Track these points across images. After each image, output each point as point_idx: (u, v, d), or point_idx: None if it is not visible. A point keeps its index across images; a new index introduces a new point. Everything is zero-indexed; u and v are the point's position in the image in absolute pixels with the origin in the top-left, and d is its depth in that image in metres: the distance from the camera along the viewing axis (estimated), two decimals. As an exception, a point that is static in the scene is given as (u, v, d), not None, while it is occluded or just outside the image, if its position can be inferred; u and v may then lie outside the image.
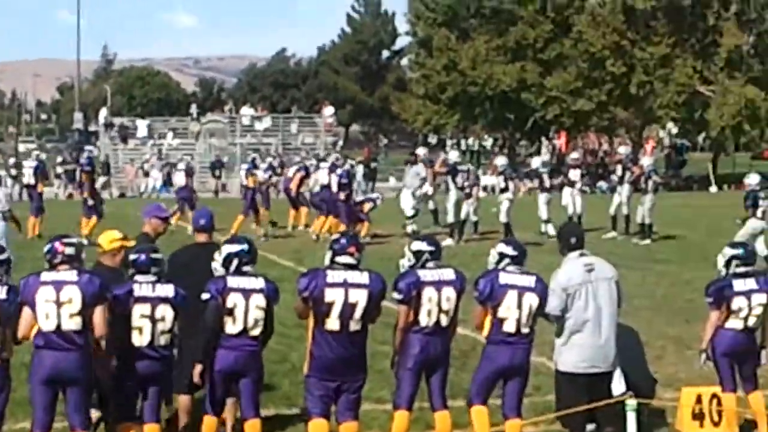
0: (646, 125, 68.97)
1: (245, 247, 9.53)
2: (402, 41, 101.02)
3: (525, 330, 9.54)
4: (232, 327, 9.28)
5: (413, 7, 70.94)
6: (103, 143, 62.79)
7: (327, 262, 9.37)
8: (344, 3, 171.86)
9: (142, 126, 63.93)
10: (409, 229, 27.76)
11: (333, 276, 9.20)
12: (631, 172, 28.27)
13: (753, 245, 10.76)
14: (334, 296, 9.13)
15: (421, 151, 30.77)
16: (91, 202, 27.10)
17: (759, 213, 22.12)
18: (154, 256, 9.35)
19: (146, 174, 56.20)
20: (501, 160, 29.72)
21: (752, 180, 23.10)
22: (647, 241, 26.92)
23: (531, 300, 9.50)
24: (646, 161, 29.70)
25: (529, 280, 9.60)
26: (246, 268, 9.43)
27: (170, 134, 63.06)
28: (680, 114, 63.80)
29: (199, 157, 57.81)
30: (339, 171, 27.98)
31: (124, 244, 10.20)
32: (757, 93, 61.02)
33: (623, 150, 31.59)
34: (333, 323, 9.16)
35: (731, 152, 71.76)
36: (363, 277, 9.27)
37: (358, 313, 9.19)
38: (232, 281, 9.33)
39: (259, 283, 9.42)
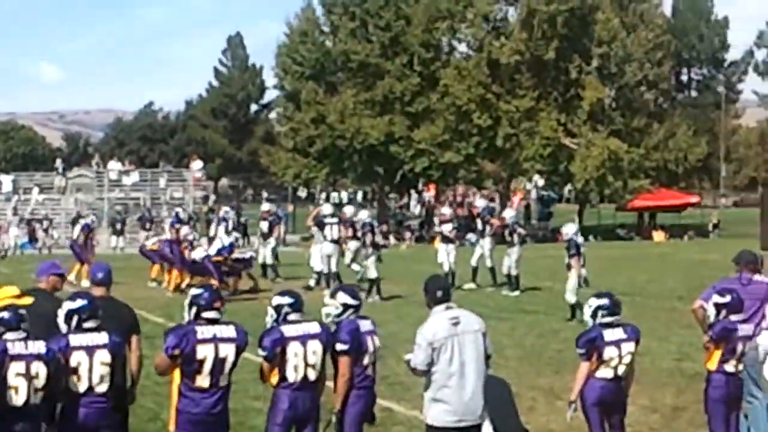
0: (513, 177, 69.88)
1: (85, 303, 9.38)
2: (270, 95, 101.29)
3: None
4: (77, 385, 9.12)
5: (280, 61, 70.93)
6: (-34, 200, 61.39)
7: (190, 317, 9.26)
8: (212, 56, 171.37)
9: (6, 181, 62.72)
10: (312, 282, 28.41)
11: (203, 332, 9.09)
12: (491, 225, 28.72)
13: (611, 293, 10.86)
14: (205, 352, 9.02)
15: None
16: None
17: (581, 260, 22.55)
18: (20, 312, 9.16)
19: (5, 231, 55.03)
20: (447, 210, 30.26)
21: (569, 229, 23.50)
22: (516, 293, 27.24)
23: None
24: (508, 213, 30.23)
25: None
26: (88, 324, 9.27)
27: (36, 189, 61.98)
28: (546, 166, 64.74)
29: (65, 213, 56.96)
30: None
31: (14, 302, 10.00)
32: (619, 145, 62.40)
33: (481, 203, 31.87)
34: (203, 380, 9.05)
35: (596, 204, 73.10)
36: (230, 331, 9.19)
37: (227, 367, 9.11)
38: (74, 339, 9.16)
39: (102, 338, 9.26)
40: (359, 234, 27.69)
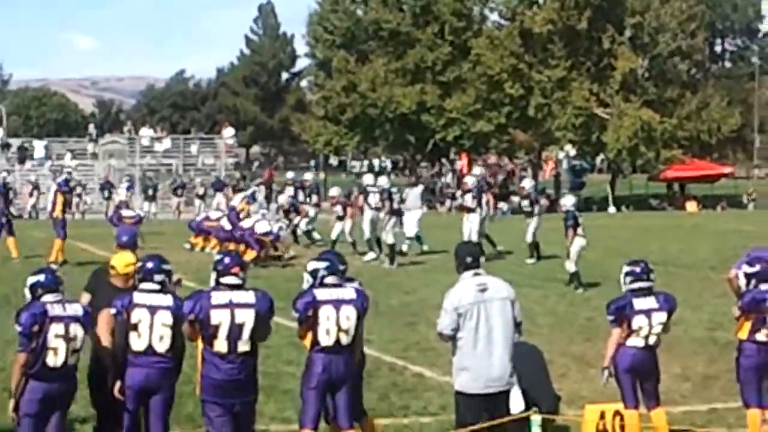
0: (545, 147, 69.67)
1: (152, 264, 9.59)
2: (301, 63, 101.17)
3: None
4: (137, 343, 9.29)
5: (312, 29, 70.90)
6: (-1, 164, 61.72)
7: (212, 283, 9.36)
8: (243, 25, 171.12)
9: (39, 147, 63.00)
10: (405, 247, 28.90)
11: (218, 297, 9.17)
12: (539, 204, 28.59)
13: (646, 262, 10.80)
14: (220, 318, 9.09)
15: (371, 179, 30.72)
16: (4, 220, 27.14)
17: (580, 231, 22.80)
18: (57, 274, 9.31)
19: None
20: (471, 179, 29.88)
21: (567, 201, 23.81)
22: (532, 260, 27.25)
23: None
24: (527, 183, 30.35)
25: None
26: (148, 285, 9.46)
27: (68, 155, 62.21)
28: (578, 136, 64.47)
29: (98, 179, 57.27)
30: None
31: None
32: (652, 116, 62.10)
33: (527, 184, 31.52)
34: (221, 345, 9.12)
35: (628, 174, 72.86)
36: (248, 297, 9.25)
37: (245, 333, 9.13)
38: (139, 297, 9.34)
39: (166, 300, 9.41)
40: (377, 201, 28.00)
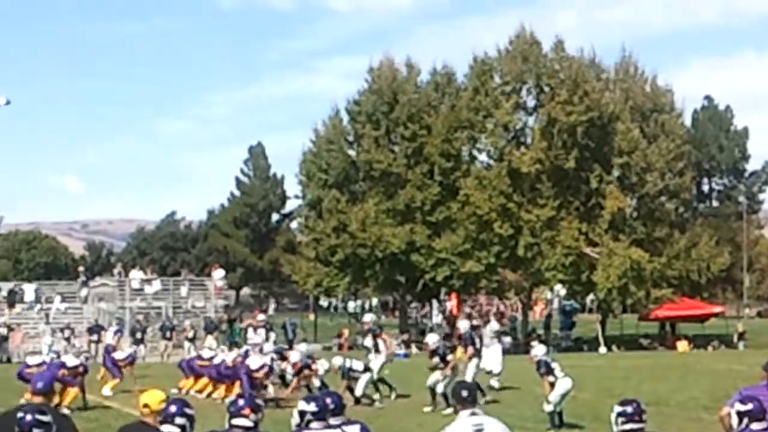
0: (535, 287, 69.66)
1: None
2: (291, 204, 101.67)
3: None
4: None
5: (305, 167, 71.28)
6: (-12, 308, 61.62)
7: (226, 425, 9.27)
8: (233, 166, 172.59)
9: (29, 290, 62.99)
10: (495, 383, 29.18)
11: None
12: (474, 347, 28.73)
13: (638, 402, 10.68)
14: None
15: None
16: None
17: (558, 373, 23.15)
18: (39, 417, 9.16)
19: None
20: (464, 324, 30.21)
21: (539, 351, 24.29)
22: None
23: None
24: (462, 325, 30.69)
25: None
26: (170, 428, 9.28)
27: (58, 298, 62.17)
28: (567, 275, 64.47)
29: (87, 322, 57.13)
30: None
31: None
32: (641, 254, 62.31)
33: (463, 324, 31.45)
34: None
35: (618, 314, 72.75)
36: None
37: None
38: None
39: None
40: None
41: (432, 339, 25.18)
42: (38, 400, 10.65)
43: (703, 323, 71.46)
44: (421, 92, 69.11)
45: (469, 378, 27.61)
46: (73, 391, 27.74)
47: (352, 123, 70.50)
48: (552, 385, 23.19)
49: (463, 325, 30.47)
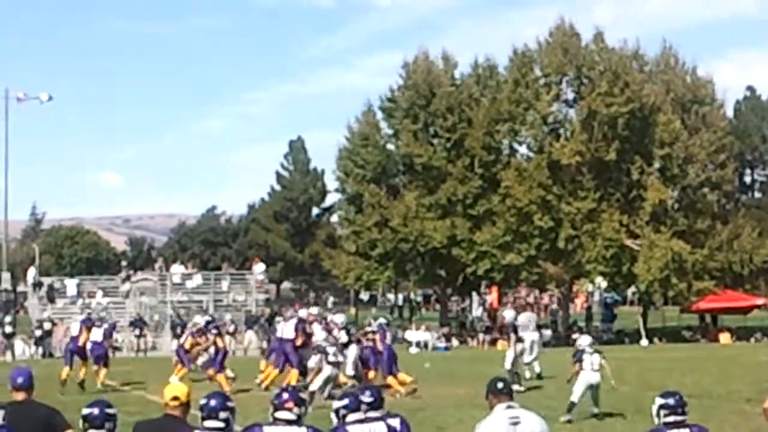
0: (575, 279, 69.44)
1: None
2: (332, 198, 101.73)
3: None
4: None
5: (342, 164, 71.32)
6: (31, 303, 62.09)
7: (269, 417, 9.26)
8: (273, 160, 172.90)
9: (71, 285, 63.38)
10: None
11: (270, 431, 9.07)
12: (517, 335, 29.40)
13: (680, 394, 10.56)
14: None
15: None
16: None
17: (587, 365, 23.82)
18: (108, 411, 9.21)
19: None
20: (509, 314, 30.83)
21: (583, 341, 25.03)
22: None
23: None
24: (507, 314, 31.00)
25: None
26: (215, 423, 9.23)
27: (99, 293, 62.52)
28: (608, 268, 64.17)
29: (129, 316, 57.45)
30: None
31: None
32: (682, 246, 61.92)
33: (508, 315, 31.97)
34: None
35: (660, 306, 72.30)
36: None
37: None
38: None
39: None
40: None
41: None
42: (21, 396, 10.65)
43: (746, 315, 71.00)
44: (460, 85, 69.10)
45: (508, 365, 27.83)
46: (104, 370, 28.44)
47: (387, 118, 70.52)
48: (577, 374, 23.79)
49: (508, 314, 30.73)
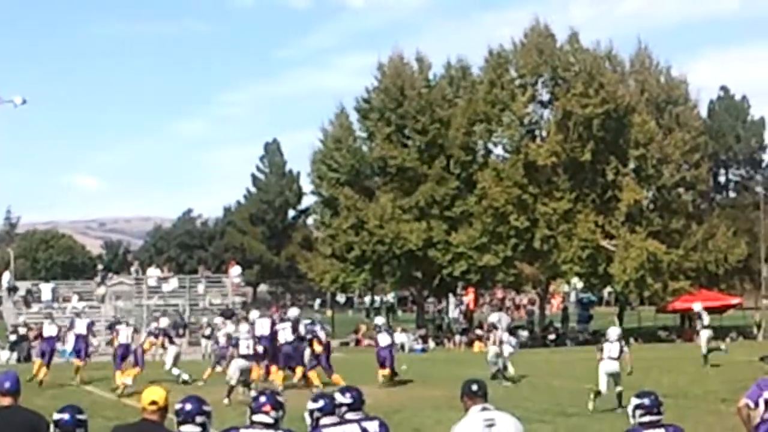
0: (552, 280, 69.54)
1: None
2: (308, 200, 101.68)
3: None
4: None
5: (316, 167, 71.18)
6: (5, 308, 61.81)
7: (246, 420, 9.23)
8: (249, 163, 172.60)
9: (46, 290, 63.09)
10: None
11: None
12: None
13: (656, 394, 10.56)
14: None
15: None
16: None
17: (605, 354, 25.35)
18: (78, 416, 9.16)
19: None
20: (493, 316, 32.09)
21: (612, 333, 26.36)
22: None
23: None
24: (492, 317, 32.61)
25: None
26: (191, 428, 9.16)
27: (75, 297, 62.25)
28: (584, 268, 64.35)
29: (104, 320, 57.19)
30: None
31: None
32: (658, 246, 62.08)
33: (492, 317, 33.28)
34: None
35: (636, 306, 72.47)
36: None
37: None
38: None
39: None
40: None
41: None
42: (7, 401, 10.57)
43: (721, 315, 71.25)
44: (433, 86, 69.12)
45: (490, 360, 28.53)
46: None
47: (362, 120, 70.48)
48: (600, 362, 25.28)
49: (492, 317, 32.06)
